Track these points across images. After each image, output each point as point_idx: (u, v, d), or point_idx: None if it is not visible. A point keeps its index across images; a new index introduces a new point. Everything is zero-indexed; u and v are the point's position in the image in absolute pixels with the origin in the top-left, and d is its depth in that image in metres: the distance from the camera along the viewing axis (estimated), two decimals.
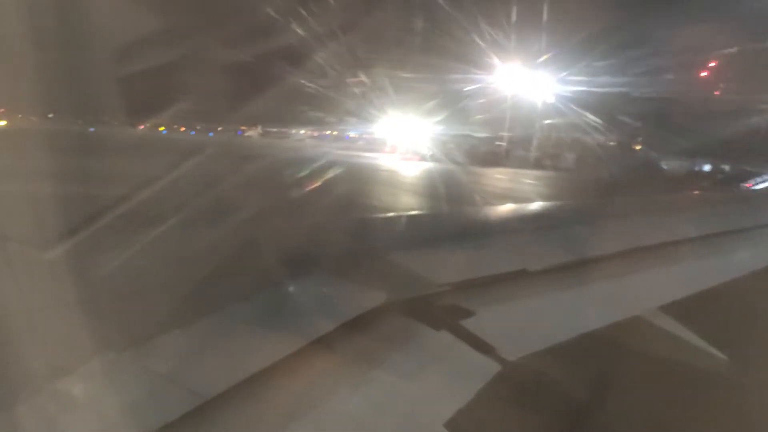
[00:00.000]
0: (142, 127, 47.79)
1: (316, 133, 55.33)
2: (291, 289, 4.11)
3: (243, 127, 56.98)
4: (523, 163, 36.52)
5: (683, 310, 4.96)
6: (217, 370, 3.08)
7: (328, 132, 54.25)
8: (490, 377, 3.51)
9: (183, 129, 55.83)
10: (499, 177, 31.36)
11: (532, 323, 4.43)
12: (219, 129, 53.31)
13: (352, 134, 51.67)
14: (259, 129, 57.17)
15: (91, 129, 43.06)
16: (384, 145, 43.57)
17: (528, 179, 30.75)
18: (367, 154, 39.93)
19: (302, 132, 56.42)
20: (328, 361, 3.34)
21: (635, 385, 4.98)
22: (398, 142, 41.89)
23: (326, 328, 3.49)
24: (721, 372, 4.84)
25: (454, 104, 34.87)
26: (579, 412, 4.85)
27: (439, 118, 36.13)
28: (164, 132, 52.73)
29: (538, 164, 37.01)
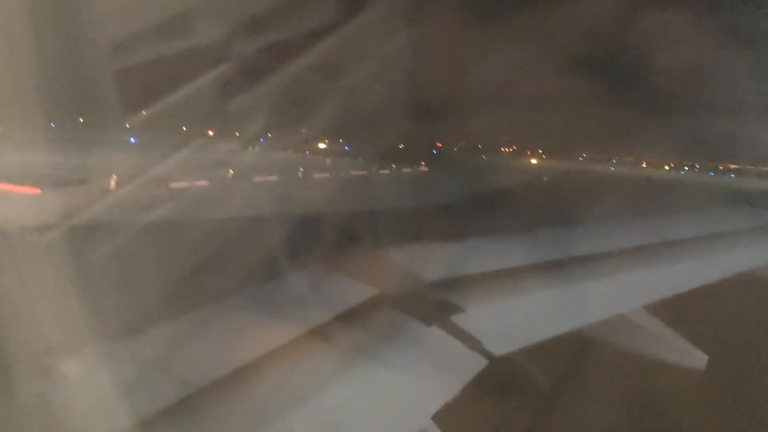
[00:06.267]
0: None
1: None
2: (285, 281, 4.16)
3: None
4: None
5: (667, 309, 5.05)
6: (210, 359, 3.13)
7: None
8: (477, 372, 3.59)
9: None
10: None
11: (520, 320, 4.49)
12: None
13: None
14: None
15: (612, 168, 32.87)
16: None
17: None
18: None
19: None
20: (319, 353, 3.39)
21: (617, 381, 5.07)
22: None
23: (318, 320, 3.55)
24: (701, 369, 4.93)
25: None
26: (561, 406, 4.94)
27: None
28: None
29: None
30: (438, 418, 3.22)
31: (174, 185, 12.66)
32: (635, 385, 5.16)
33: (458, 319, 4.02)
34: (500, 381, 4.12)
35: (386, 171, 22.13)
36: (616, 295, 5.21)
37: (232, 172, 17.02)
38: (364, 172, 21.34)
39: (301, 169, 19.93)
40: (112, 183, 10.84)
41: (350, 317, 3.73)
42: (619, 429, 5.05)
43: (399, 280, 4.40)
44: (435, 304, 4.20)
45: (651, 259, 6.00)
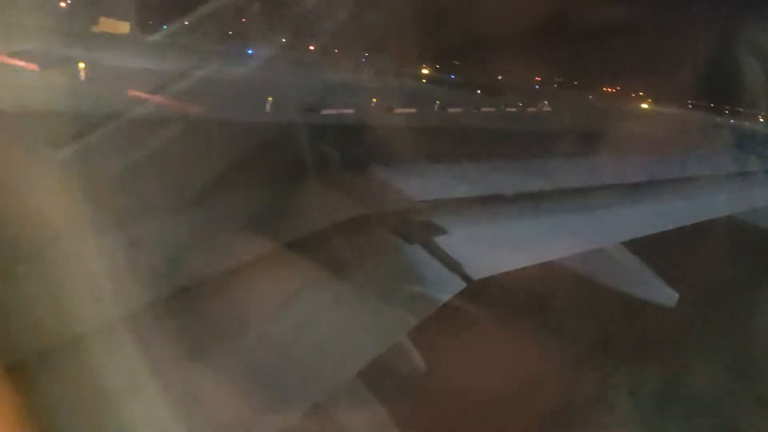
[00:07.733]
0: None
1: None
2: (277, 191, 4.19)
3: None
4: None
5: (645, 247, 5.18)
6: (197, 261, 3.20)
7: None
8: (455, 293, 3.71)
9: None
10: None
11: (501, 246, 4.59)
12: None
13: None
14: None
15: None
16: None
17: None
18: None
19: None
20: (301, 265, 3.44)
21: (585, 313, 5.26)
22: None
23: (301, 232, 3.62)
24: (670, 307, 5.11)
25: None
26: (533, 334, 5.14)
27: None
28: None
29: None
30: (412, 333, 3.37)
31: (325, 112, 11.96)
32: (602, 319, 5.35)
33: (440, 241, 4.10)
34: (476, 303, 4.27)
35: (513, 109, 21.04)
36: (596, 229, 5.31)
37: (375, 100, 15.97)
38: (493, 110, 20.41)
39: (438, 102, 18.89)
40: (268, 106, 10.32)
41: (334, 233, 3.79)
42: (582, 361, 5.27)
43: (385, 198, 4.44)
44: (419, 223, 4.26)
45: (635, 196, 6.07)
